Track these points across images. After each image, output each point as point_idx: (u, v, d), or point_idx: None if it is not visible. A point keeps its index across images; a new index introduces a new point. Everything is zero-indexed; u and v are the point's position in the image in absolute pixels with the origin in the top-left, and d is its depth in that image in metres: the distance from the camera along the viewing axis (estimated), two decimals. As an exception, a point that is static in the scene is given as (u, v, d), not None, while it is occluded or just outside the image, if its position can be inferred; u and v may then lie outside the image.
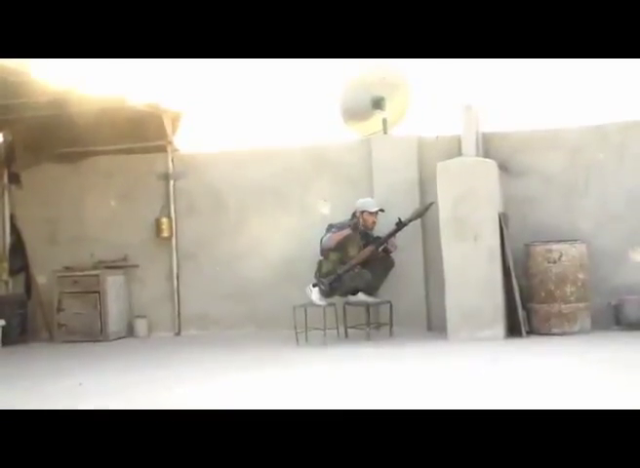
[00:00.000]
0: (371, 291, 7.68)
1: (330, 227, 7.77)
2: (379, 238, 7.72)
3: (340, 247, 7.62)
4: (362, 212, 7.72)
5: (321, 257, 7.73)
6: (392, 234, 7.65)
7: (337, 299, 7.68)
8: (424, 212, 7.75)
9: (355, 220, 7.70)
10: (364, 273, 7.59)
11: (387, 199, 7.88)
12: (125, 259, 8.90)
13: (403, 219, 7.62)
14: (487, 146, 7.99)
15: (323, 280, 7.55)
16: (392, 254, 7.77)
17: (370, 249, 7.65)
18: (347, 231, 7.63)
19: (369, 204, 7.78)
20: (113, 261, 8.86)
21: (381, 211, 7.66)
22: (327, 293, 7.54)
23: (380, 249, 7.69)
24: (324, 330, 7.37)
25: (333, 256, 7.63)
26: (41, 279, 9.02)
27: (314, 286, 7.58)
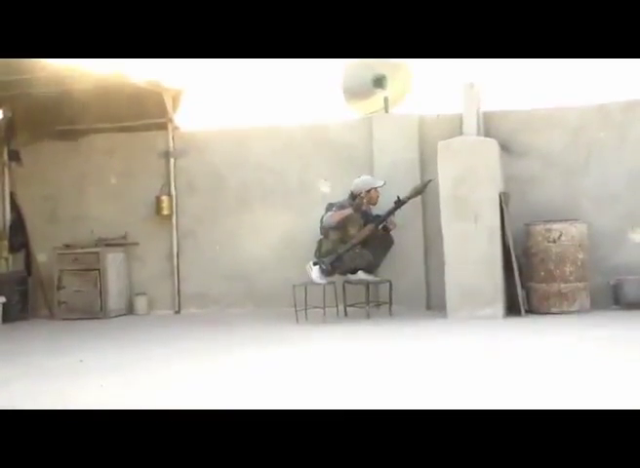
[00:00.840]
0: (371, 269, 7.70)
1: (330, 206, 7.77)
2: (378, 216, 7.72)
3: (341, 226, 7.63)
4: (368, 190, 7.70)
5: (321, 236, 7.73)
6: (391, 212, 7.65)
7: (336, 278, 7.70)
8: (423, 189, 7.74)
9: (358, 201, 7.68)
10: (365, 253, 7.60)
11: (388, 178, 7.86)
12: (125, 237, 8.91)
13: (402, 197, 7.61)
14: (488, 125, 7.96)
15: (324, 259, 7.56)
16: (392, 233, 7.77)
17: (370, 227, 7.65)
18: (349, 211, 7.63)
19: (370, 181, 7.77)
20: (113, 239, 8.87)
21: (384, 184, 7.68)
22: (327, 272, 7.55)
23: (380, 227, 7.69)
24: (323, 308, 7.39)
25: (333, 236, 7.64)
26: (41, 256, 9.04)
27: (315, 264, 7.59)
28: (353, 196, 7.78)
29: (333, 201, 7.86)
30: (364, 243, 7.64)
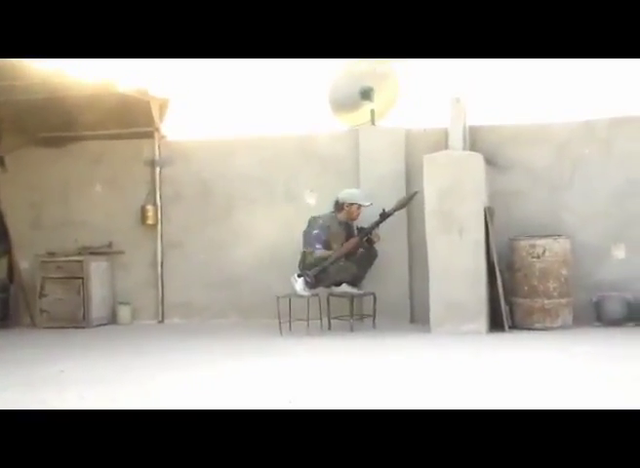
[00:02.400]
0: (355, 282, 7.70)
1: (313, 220, 7.72)
2: (362, 229, 7.72)
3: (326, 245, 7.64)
4: (351, 204, 7.71)
5: (304, 249, 7.72)
6: (376, 225, 7.65)
7: (320, 290, 7.69)
8: (408, 201, 7.76)
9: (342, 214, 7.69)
10: (349, 266, 7.60)
11: (373, 190, 7.88)
12: (110, 246, 8.87)
13: (387, 210, 7.62)
14: (474, 139, 8.00)
15: (308, 272, 7.55)
16: (376, 245, 7.77)
17: (354, 241, 7.66)
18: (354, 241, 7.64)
19: (358, 196, 7.77)
20: (98, 247, 8.83)
21: (371, 204, 7.66)
22: (312, 285, 7.54)
23: (364, 240, 7.69)
24: (307, 320, 7.38)
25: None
26: (24, 263, 8.97)
27: (299, 276, 7.58)
28: (338, 205, 7.76)
29: (318, 212, 7.84)
30: (348, 256, 7.63)
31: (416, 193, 7.64)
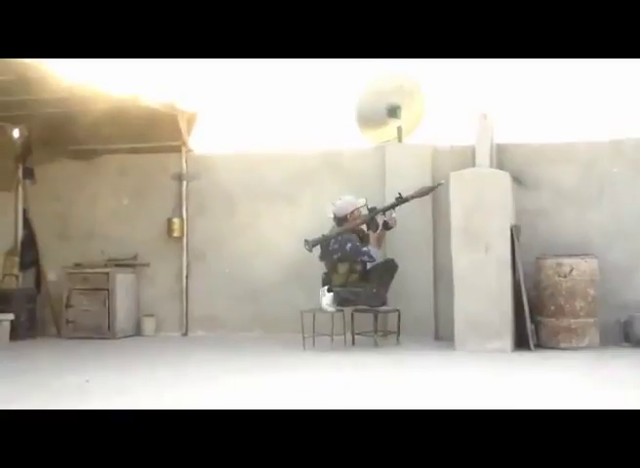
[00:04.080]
0: (376, 302, 7.53)
1: (341, 238, 7.54)
2: (374, 208, 7.65)
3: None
4: (352, 211, 7.64)
5: (325, 271, 7.62)
6: (390, 207, 7.58)
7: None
8: (429, 192, 7.70)
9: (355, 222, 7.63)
10: (381, 293, 7.49)
11: (399, 207, 7.85)
12: (135, 258, 8.93)
13: (405, 195, 7.55)
14: (501, 157, 7.97)
15: (338, 289, 7.45)
16: (401, 263, 7.67)
17: (364, 216, 7.60)
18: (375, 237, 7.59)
19: (350, 202, 7.67)
20: (124, 259, 8.89)
21: (365, 202, 7.65)
22: (339, 303, 7.50)
23: (381, 224, 7.60)
24: (331, 336, 7.36)
25: (342, 269, 7.57)
26: (51, 275, 9.06)
27: (329, 291, 7.52)
28: (338, 219, 7.71)
29: (308, 238, 7.60)
30: (367, 277, 7.53)
31: (439, 185, 7.60)
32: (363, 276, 7.60)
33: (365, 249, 7.55)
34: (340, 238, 7.57)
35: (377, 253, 7.59)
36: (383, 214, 7.62)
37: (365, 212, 7.70)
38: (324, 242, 7.56)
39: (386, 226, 7.68)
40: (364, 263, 7.59)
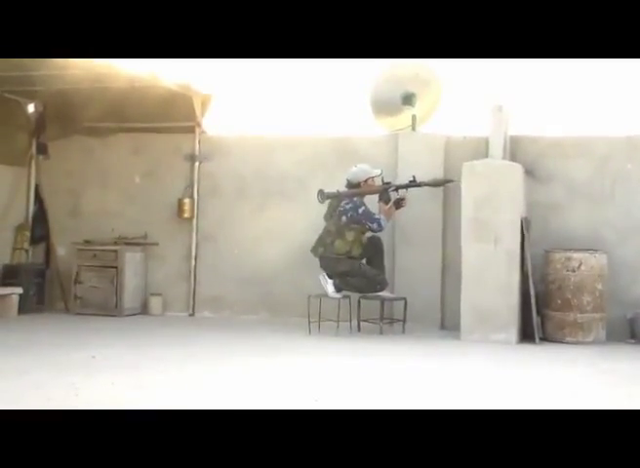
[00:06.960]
0: (379, 285, 7.58)
1: (354, 202, 7.51)
2: (389, 183, 7.70)
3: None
4: (365, 180, 7.66)
5: (330, 238, 7.57)
6: (404, 186, 7.64)
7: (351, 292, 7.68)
8: (442, 184, 7.80)
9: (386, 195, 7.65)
10: (383, 279, 7.55)
11: (411, 195, 7.84)
12: (145, 237, 8.96)
13: (419, 181, 7.61)
14: (514, 149, 7.95)
15: (337, 281, 7.50)
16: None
17: (377, 186, 7.64)
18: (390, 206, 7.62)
19: (368, 170, 7.69)
20: (133, 238, 8.92)
21: (381, 172, 7.71)
22: (340, 289, 7.55)
23: (393, 200, 7.62)
24: (337, 321, 7.39)
25: (349, 236, 7.56)
26: (61, 250, 9.11)
27: (330, 277, 7.57)
28: (351, 186, 7.71)
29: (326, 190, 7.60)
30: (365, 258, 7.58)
31: (452, 181, 7.65)
32: (364, 252, 7.62)
33: (377, 216, 7.55)
34: (355, 199, 7.57)
35: (386, 225, 7.60)
36: (396, 190, 7.64)
37: (379, 182, 7.71)
38: (338, 198, 7.54)
39: (398, 204, 7.69)
40: (369, 240, 7.60)
